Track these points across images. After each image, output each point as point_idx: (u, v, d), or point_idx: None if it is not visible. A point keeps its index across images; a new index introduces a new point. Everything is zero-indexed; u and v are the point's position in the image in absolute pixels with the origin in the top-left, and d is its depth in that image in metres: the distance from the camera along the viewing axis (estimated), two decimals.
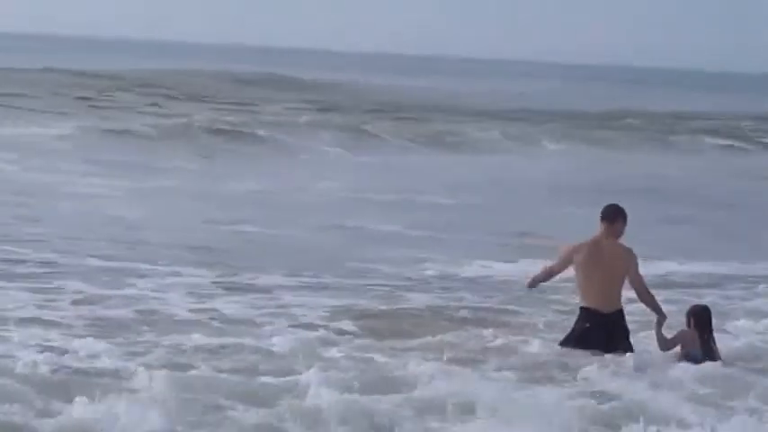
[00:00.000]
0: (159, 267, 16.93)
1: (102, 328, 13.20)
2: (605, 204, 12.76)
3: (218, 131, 38.35)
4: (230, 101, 52.53)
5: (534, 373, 11.74)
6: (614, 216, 12.48)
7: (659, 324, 12.46)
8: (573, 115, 55.32)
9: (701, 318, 12.45)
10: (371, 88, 68.53)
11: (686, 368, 11.94)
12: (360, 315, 14.47)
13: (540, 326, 13.94)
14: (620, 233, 12.48)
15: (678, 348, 12.44)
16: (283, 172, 31.59)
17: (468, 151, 40.43)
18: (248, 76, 68.06)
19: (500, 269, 18.42)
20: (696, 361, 12.20)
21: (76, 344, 12.17)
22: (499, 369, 11.74)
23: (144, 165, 30.93)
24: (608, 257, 12.31)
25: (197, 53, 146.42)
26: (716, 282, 17.87)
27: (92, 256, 17.50)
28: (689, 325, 12.48)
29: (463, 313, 14.86)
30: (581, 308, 12.39)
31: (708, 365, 11.99)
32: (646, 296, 12.54)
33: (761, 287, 17.59)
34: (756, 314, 15.27)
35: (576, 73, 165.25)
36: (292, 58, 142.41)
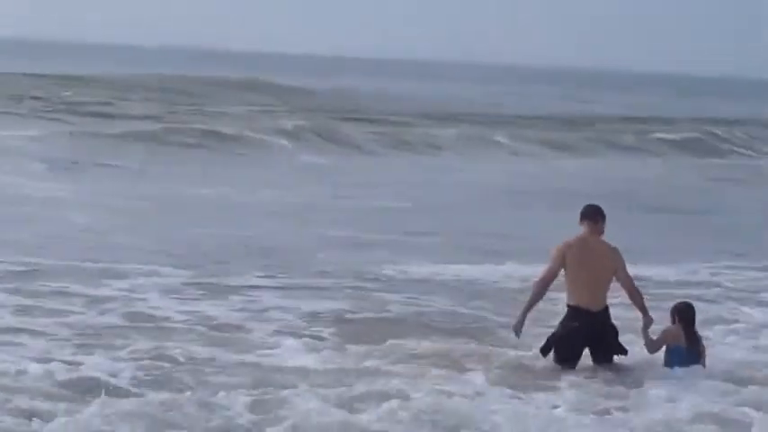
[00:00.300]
0: (136, 268, 16.69)
1: (90, 335, 12.96)
2: (585, 205, 12.56)
3: (174, 132, 37.65)
4: (191, 104, 51.76)
5: (538, 386, 11.64)
6: (595, 215, 12.36)
7: (646, 327, 12.31)
8: (539, 119, 55.01)
9: (685, 314, 12.33)
10: (338, 92, 67.43)
11: (692, 383, 11.80)
12: (340, 320, 14.40)
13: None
14: (602, 231, 12.38)
15: (665, 348, 12.33)
16: (240, 175, 30.98)
17: (424, 153, 40.31)
18: (217, 80, 66.35)
19: (461, 271, 18.15)
20: (681, 356, 12.10)
21: (68, 353, 11.97)
22: (502, 382, 11.65)
23: (103, 166, 30.51)
24: (595, 255, 12.18)
25: (182, 58, 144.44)
26: (681, 285, 17.68)
27: (66, 259, 17.15)
28: (674, 322, 12.39)
29: (440, 319, 14.80)
30: (569, 306, 12.20)
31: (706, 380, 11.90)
32: (635, 295, 12.37)
33: (718, 290, 17.56)
34: (723, 320, 15.24)
35: (573, 78, 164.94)
36: (275, 64, 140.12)
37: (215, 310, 14.53)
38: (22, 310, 13.93)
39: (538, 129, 48.88)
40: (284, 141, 38.59)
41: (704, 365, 12.20)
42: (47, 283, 15.50)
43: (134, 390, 10.77)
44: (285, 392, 10.83)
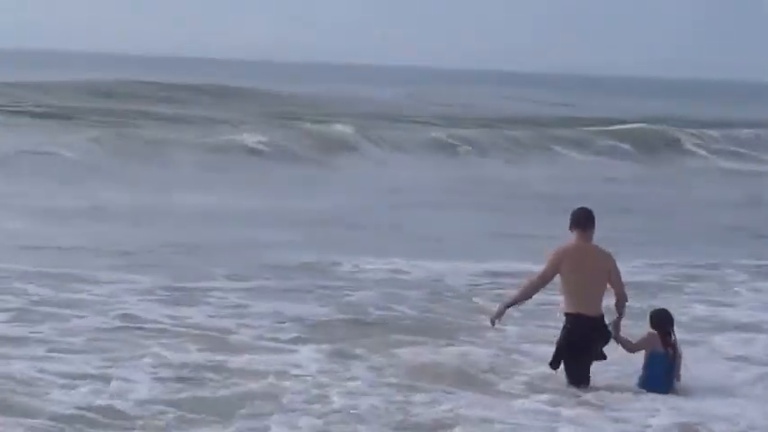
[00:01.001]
0: (102, 274, 16.38)
1: (97, 341, 12.80)
2: (576, 209, 12.25)
3: (120, 135, 36.20)
4: (139, 108, 49.63)
5: (512, 390, 11.82)
6: (586, 220, 12.17)
7: (617, 323, 12.07)
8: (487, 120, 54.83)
9: (659, 318, 12.28)
10: (300, 96, 65.65)
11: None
12: (322, 324, 14.34)
13: (514, 337, 13.86)
14: (592, 236, 12.20)
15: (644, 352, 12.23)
16: (183, 178, 30.35)
17: (356, 157, 39.94)
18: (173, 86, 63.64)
19: (414, 268, 18.25)
20: (662, 361, 12.04)
21: (89, 365, 11.81)
22: (525, 394, 11.71)
23: (37, 168, 29.59)
24: (592, 260, 12.00)
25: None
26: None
27: (25, 265, 16.70)
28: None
29: (412, 319, 14.88)
30: (567, 314, 11.93)
31: None
32: (621, 300, 12.17)
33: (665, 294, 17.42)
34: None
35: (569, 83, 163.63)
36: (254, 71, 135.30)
37: (199, 314, 14.40)
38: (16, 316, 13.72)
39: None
40: (237, 145, 37.37)
41: (678, 375, 12.13)
42: (22, 286, 15.22)
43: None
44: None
